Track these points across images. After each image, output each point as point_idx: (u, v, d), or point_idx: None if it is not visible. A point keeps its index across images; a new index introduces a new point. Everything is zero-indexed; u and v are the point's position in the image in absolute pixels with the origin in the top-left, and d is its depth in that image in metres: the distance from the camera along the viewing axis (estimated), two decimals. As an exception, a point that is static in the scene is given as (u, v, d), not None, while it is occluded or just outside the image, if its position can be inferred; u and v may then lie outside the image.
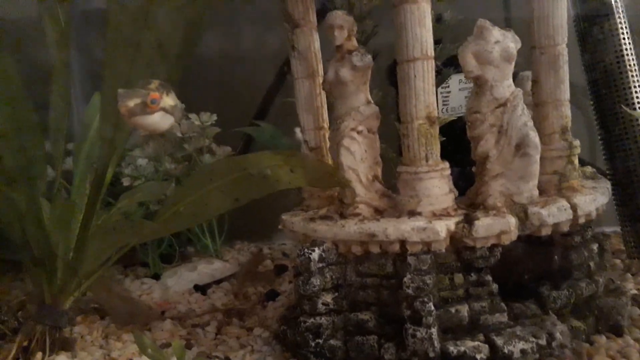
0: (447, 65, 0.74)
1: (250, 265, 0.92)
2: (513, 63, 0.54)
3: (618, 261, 0.84)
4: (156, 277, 0.86)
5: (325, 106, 0.65)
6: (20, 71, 0.57)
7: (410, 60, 0.53)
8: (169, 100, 0.48)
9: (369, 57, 0.57)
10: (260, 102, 1.04)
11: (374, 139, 0.58)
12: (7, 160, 0.55)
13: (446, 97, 0.79)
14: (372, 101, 0.58)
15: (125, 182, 0.77)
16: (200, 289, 0.83)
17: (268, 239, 1.08)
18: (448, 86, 0.76)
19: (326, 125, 0.65)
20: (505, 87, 0.54)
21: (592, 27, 0.77)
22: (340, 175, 0.57)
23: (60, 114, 0.65)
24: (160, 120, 0.48)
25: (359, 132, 0.57)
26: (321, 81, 0.64)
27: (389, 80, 0.81)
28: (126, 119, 0.47)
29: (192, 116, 0.85)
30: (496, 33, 0.54)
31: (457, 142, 0.67)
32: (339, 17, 0.57)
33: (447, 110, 0.77)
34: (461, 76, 0.77)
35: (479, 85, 0.55)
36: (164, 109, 0.48)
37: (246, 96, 1.05)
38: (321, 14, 0.65)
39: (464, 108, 0.82)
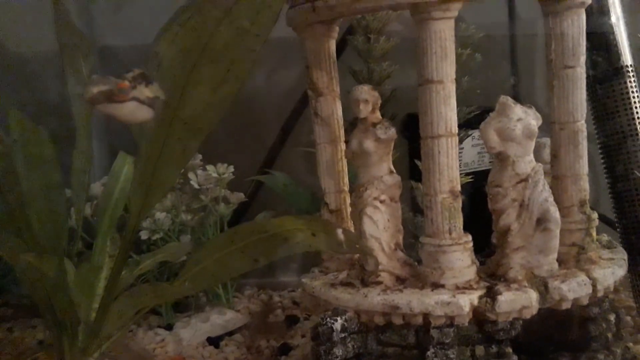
0: (461, 126, 0.76)
1: (261, 316, 0.93)
2: (534, 139, 0.56)
3: (628, 318, 0.84)
4: (169, 327, 0.86)
5: (346, 170, 0.66)
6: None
7: (435, 137, 0.55)
8: (146, 91, 0.46)
9: (393, 130, 0.58)
10: (269, 149, 1.05)
11: (397, 208, 0.59)
12: (35, 225, 0.56)
13: (459, 152, 0.81)
14: (395, 171, 0.60)
15: (144, 235, 0.78)
16: (213, 342, 0.83)
17: (277, 285, 1.08)
18: (461, 142, 0.78)
19: (346, 188, 0.66)
20: (527, 163, 0.56)
21: (603, 89, 0.79)
22: (363, 243, 0.58)
23: (82, 172, 0.66)
24: (133, 111, 0.46)
25: (381, 201, 0.58)
26: (343, 147, 0.65)
27: (402, 134, 0.83)
28: (92, 107, 0.45)
29: (210, 168, 0.86)
30: (518, 110, 0.56)
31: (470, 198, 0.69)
32: (365, 92, 0.58)
33: (460, 165, 0.79)
34: (475, 132, 0.80)
35: (501, 160, 0.56)
36: (137, 99, 0.46)
37: (255, 141, 1.07)
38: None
39: (477, 163, 0.84)
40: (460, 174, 0.58)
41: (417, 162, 0.60)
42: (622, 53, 0.74)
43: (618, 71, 0.73)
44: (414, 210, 0.76)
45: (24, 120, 0.68)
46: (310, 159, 0.87)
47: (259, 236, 0.60)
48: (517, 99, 0.59)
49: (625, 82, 0.73)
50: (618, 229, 0.81)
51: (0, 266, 0.84)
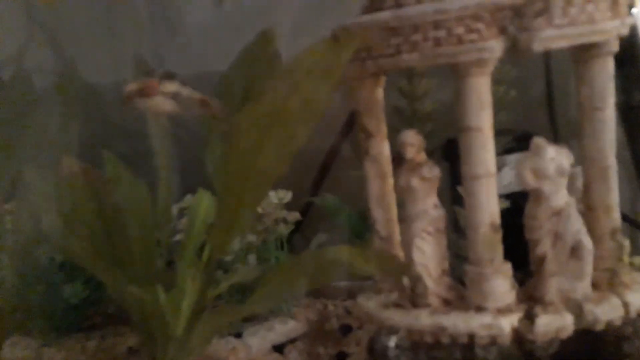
0: (500, 154, 0.82)
1: (318, 324, 1.02)
2: (567, 177, 0.62)
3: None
4: (238, 335, 0.97)
5: (394, 201, 0.74)
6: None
7: (475, 177, 0.62)
8: (171, 86, 0.60)
9: (438, 169, 0.66)
10: (318, 171, 1.14)
11: (442, 238, 0.67)
12: (135, 257, 0.67)
13: (498, 175, 0.87)
14: (439, 204, 0.67)
15: (216, 258, 0.88)
16: (278, 349, 0.93)
17: (329, 291, 1.17)
18: (499, 169, 0.84)
19: (395, 217, 0.74)
20: (560, 198, 0.62)
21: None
22: (413, 270, 0.66)
23: (166, 208, 0.77)
24: (160, 104, 0.60)
25: (428, 233, 0.66)
26: (391, 181, 0.73)
27: (444, 156, 0.90)
28: (128, 103, 0.59)
29: (271, 194, 0.95)
30: (551, 151, 0.62)
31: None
32: (411, 136, 0.66)
33: (499, 187, 0.85)
34: (512, 157, 0.86)
35: (536, 195, 0.63)
36: (162, 93, 0.60)
37: (303, 164, 1.16)
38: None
39: (512, 186, 0.90)
40: (500, 195, 0.64)
41: (459, 189, 0.67)
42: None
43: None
44: (457, 232, 0.83)
45: (117, 161, 0.79)
46: (357, 182, 0.95)
47: (319, 262, 0.69)
48: (553, 132, 0.65)
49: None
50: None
51: (93, 281, 0.97)
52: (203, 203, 0.77)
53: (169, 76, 0.61)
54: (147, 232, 0.66)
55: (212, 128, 0.80)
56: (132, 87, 0.58)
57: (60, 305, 0.97)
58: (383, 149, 0.73)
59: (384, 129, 0.73)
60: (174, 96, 0.62)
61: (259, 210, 0.94)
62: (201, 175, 0.78)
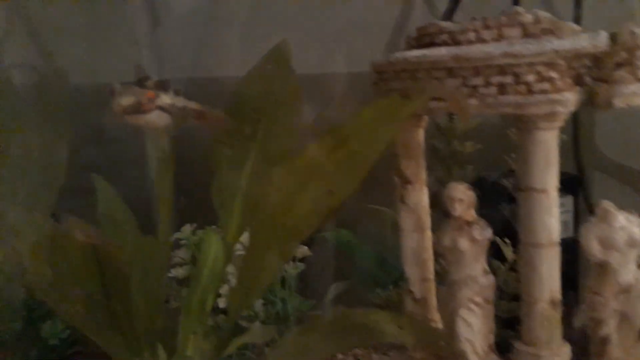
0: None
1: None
2: (638, 248, 0.55)
3: None
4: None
5: (432, 257, 0.66)
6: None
7: (536, 246, 0.54)
8: (166, 98, 0.50)
9: (490, 230, 0.58)
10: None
11: (490, 309, 0.59)
12: (138, 321, 0.57)
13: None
14: (489, 270, 0.59)
15: (222, 303, 0.78)
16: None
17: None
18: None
19: (432, 276, 0.66)
20: (629, 272, 0.54)
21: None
22: (456, 346, 0.58)
23: (166, 257, 0.68)
24: (156, 119, 0.50)
25: (476, 304, 0.58)
26: (429, 234, 0.65)
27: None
28: (120, 117, 0.48)
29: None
30: (621, 218, 0.54)
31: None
32: (460, 191, 0.58)
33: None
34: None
35: (602, 268, 0.55)
36: (160, 107, 0.49)
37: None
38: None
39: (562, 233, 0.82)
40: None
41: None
42: None
43: None
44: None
45: (109, 189, 0.70)
46: (377, 217, 0.87)
47: (344, 325, 0.60)
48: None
49: None
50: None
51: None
52: (212, 247, 0.67)
53: (164, 86, 0.51)
54: (151, 292, 0.57)
55: (218, 155, 0.71)
56: (124, 101, 0.47)
57: (38, 344, 0.86)
58: (421, 198, 0.64)
59: (423, 175, 0.64)
60: (169, 109, 0.52)
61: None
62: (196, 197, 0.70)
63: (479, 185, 0.85)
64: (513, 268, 0.72)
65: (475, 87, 0.53)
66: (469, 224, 0.58)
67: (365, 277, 0.85)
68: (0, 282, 0.73)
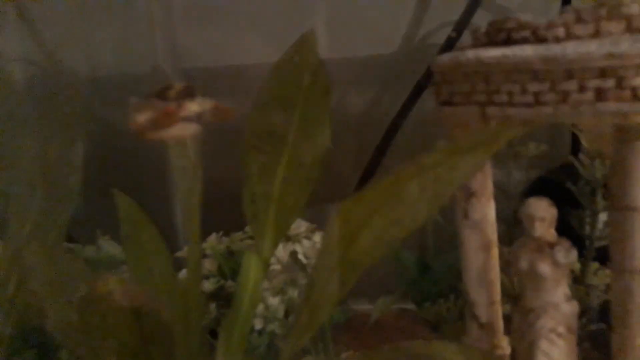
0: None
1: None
2: None
3: None
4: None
5: (499, 277, 0.59)
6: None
7: (635, 272, 0.47)
8: (193, 106, 0.43)
9: (575, 252, 0.51)
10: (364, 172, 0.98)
11: (573, 340, 0.52)
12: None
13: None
14: (571, 296, 0.53)
15: (258, 324, 0.72)
16: None
17: None
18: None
19: (498, 297, 0.59)
20: None
21: None
22: (536, 382, 0.52)
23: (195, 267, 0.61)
24: (180, 132, 0.42)
25: (558, 335, 0.52)
26: (496, 252, 0.58)
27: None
28: (139, 134, 0.41)
29: (316, 237, 0.80)
30: None
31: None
32: (542, 208, 0.51)
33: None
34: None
35: None
36: (184, 119, 0.42)
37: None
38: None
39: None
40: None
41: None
42: None
43: None
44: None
45: (132, 205, 0.63)
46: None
47: (400, 356, 0.54)
48: None
49: None
50: None
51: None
52: (252, 271, 0.61)
53: (189, 93, 0.44)
54: (190, 333, 0.50)
55: (250, 161, 0.64)
56: (143, 116, 0.40)
57: (54, 371, 0.80)
58: (488, 212, 0.57)
59: (490, 187, 0.57)
60: (197, 118, 0.44)
61: (303, 259, 0.78)
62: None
63: (538, 187, 0.78)
64: (577, 279, 0.66)
65: (567, 92, 0.45)
66: (550, 245, 0.51)
67: (410, 288, 0.79)
68: (14, 318, 0.66)
